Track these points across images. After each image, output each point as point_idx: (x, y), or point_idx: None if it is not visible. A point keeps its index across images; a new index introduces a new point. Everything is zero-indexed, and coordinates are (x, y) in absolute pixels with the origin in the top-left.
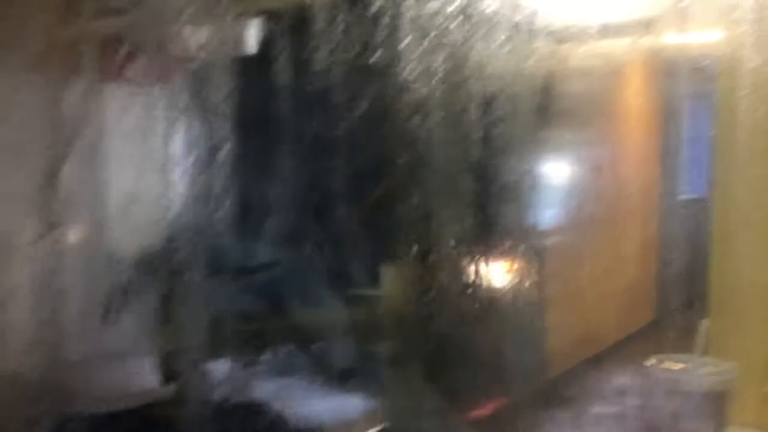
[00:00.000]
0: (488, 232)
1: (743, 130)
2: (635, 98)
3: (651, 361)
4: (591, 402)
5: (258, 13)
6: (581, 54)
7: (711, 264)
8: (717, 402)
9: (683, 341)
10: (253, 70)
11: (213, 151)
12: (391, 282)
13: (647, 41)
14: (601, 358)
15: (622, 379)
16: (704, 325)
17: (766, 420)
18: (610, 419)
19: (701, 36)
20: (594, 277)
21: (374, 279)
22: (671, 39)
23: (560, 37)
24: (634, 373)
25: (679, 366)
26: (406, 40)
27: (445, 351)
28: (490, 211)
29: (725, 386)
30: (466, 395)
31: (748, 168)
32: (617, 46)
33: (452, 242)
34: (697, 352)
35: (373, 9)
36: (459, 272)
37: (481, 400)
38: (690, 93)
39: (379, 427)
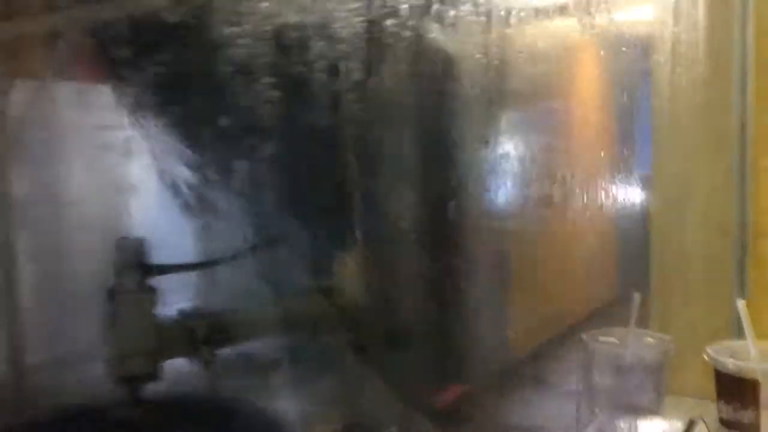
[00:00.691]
0: (444, 212)
1: (676, 102)
2: (583, 77)
3: (586, 336)
4: (539, 382)
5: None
6: (527, 33)
7: (651, 238)
8: (654, 373)
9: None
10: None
11: (162, 144)
12: (345, 270)
13: (590, 21)
14: (559, 340)
15: (567, 356)
16: (637, 297)
17: (703, 389)
18: (553, 396)
19: (639, 12)
20: (553, 257)
21: (327, 268)
22: (613, 18)
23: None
24: (571, 349)
25: (614, 339)
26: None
27: (404, 339)
28: (445, 192)
29: (662, 358)
30: (428, 384)
31: (683, 140)
32: (563, 26)
33: (407, 225)
34: (632, 325)
35: None
36: (416, 256)
37: (443, 388)
38: (635, 70)
39: (341, 424)
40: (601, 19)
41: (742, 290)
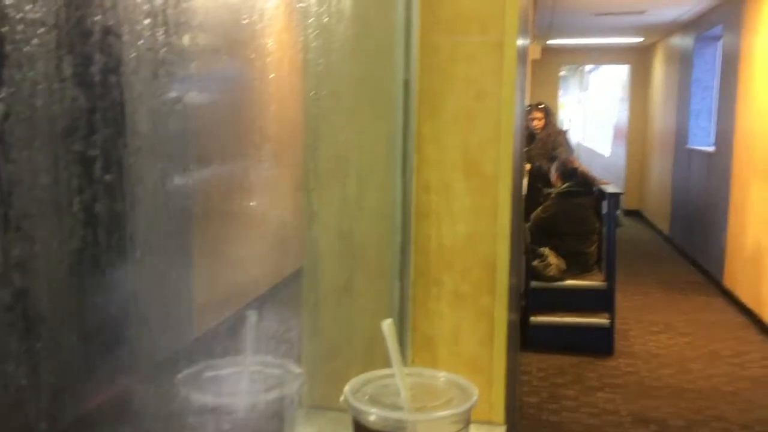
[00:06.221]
0: (101, 173)
1: (330, 60)
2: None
3: (180, 378)
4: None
5: None
6: None
7: (311, 215)
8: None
9: None
10: None
11: None
12: None
13: None
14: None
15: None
16: (253, 317)
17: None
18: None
19: None
20: (240, 220)
21: None
22: None
23: None
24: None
25: (227, 371)
26: None
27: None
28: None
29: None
30: (86, 376)
31: (340, 104)
32: None
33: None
34: (248, 354)
35: None
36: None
37: (108, 378)
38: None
39: None
40: None
41: (402, 279)
